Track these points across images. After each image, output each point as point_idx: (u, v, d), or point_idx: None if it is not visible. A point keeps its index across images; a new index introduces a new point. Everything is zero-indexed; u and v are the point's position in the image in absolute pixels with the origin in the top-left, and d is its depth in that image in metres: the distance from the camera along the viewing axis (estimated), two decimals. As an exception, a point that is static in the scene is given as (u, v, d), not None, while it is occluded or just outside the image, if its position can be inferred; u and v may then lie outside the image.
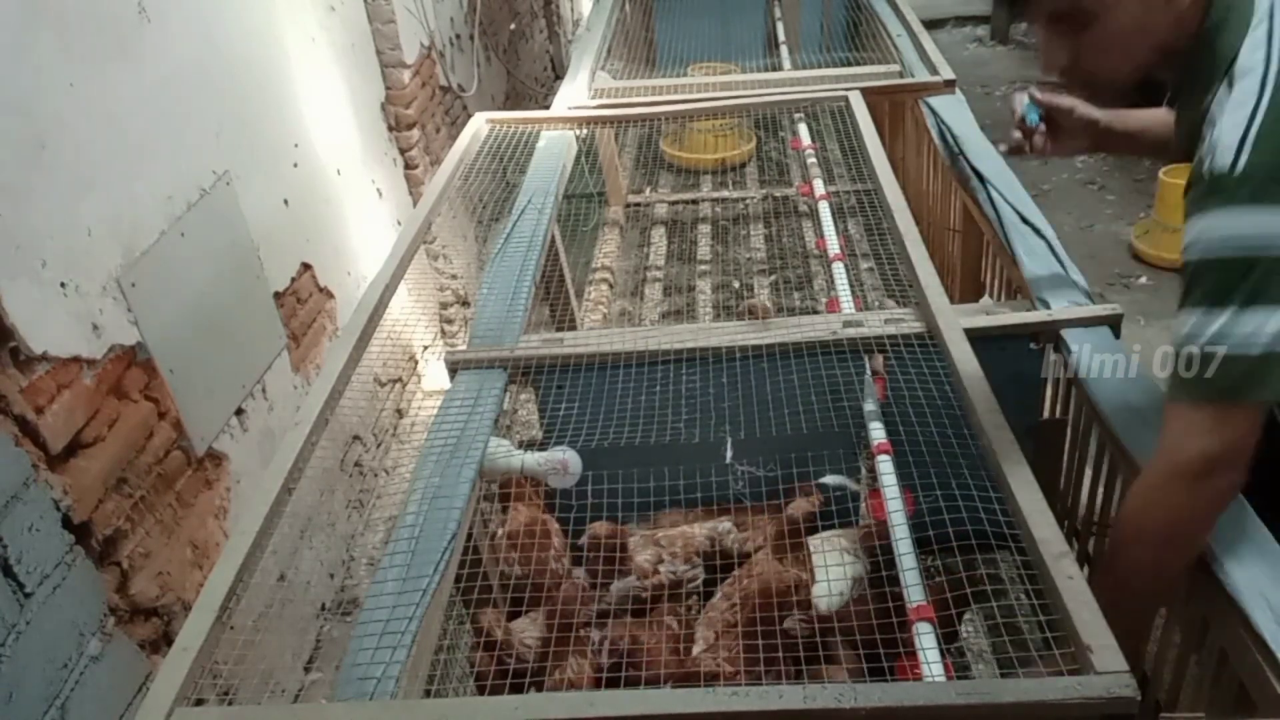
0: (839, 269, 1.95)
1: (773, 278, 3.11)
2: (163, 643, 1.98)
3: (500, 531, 1.63)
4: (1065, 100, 1.52)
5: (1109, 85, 1.25)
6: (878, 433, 1.46)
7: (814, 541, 1.53)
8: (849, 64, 2.99)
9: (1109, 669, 0.95)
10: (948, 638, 1.26)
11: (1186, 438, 1.09)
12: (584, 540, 1.54)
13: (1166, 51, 1.14)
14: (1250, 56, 1.04)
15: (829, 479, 1.59)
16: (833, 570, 1.41)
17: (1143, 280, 4.31)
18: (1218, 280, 1.02)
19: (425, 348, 3.55)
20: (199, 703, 1.08)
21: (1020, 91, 1.57)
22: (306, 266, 2.87)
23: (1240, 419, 1.06)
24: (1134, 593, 1.17)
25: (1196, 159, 1.06)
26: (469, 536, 1.37)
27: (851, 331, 1.62)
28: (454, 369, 1.66)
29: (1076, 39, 1.15)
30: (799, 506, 1.57)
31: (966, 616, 1.62)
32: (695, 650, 1.48)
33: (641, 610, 1.57)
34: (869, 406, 1.52)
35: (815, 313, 1.90)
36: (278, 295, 2.68)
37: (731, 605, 1.52)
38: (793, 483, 1.59)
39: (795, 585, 1.41)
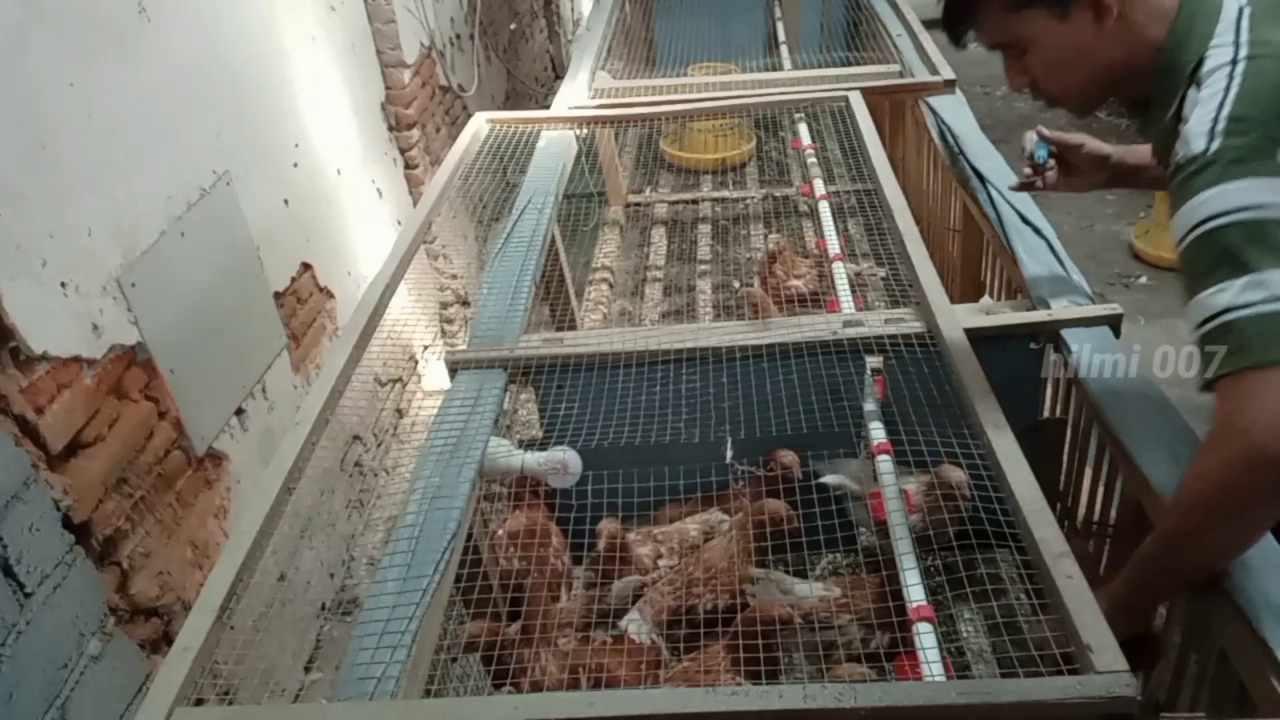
0: (839, 269, 1.96)
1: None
2: (163, 643, 1.98)
3: (500, 531, 1.64)
4: (1074, 137, 1.53)
5: (1071, 102, 1.30)
6: (878, 433, 1.46)
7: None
8: (849, 64, 2.99)
9: (1109, 669, 0.95)
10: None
11: (1227, 417, 1.04)
12: (600, 542, 1.55)
13: (1125, 69, 1.20)
14: (1216, 58, 1.08)
15: (829, 478, 1.60)
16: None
17: (1143, 280, 4.31)
18: (1211, 257, 1.03)
19: (425, 348, 3.55)
20: (199, 703, 1.08)
21: (1030, 131, 1.58)
22: (306, 266, 2.88)
23: (1269, 384, 1.00)
24: (1180, 558, 1.15)
25: (1172, 160, 1.10)
26: (469, 536, 1.37)
27: (851, 331, 1.62)
28: (454, 369, 1.66)
29: (1024, 63, 1.23)
30: (770, 507, 1.58)
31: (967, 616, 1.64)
32: (624, 623, 1.52)
33: None
34: (869, 406, 1.52)
35: (815, 313, 1.90)
36: (278, 295, 2.67)
37: (675, 589, 1.54)
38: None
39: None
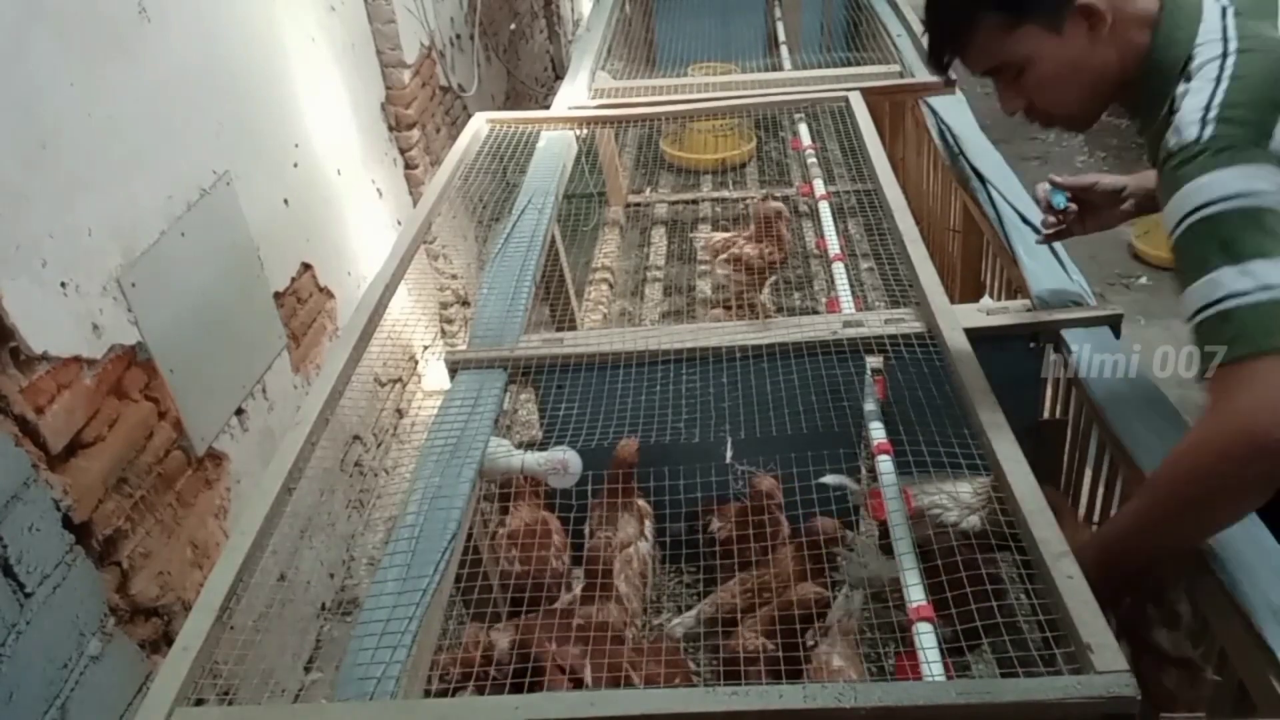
0: (839, 269, 1.96)
1: (773, 278, 3.10)
2: (163, 643, 1.98)
3: (500, 532, 1.64)
4: (1086, 178, 1.49)
5: (1070, 116, 1.29)
6: (878, 433, 1.46)
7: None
8: (849, 64, 2.99)
9: (1109, 668, 0.95)
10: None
11: (1226, 403, 1.02)
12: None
13: (1119, 77, 1.20)
14: (1205, 54, 1.09)
15: (829, 479, 1.60)
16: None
17: (1143, 280, 4.31)
18: (1206, 244, 1.02)
19: (425, 348, 3.54)
20: (199, 703, 1.08)
21: (1042, 183, 1.54)
22: (306, 266, 2.87)
23: (1269, 372, 0.98)
24: (1153, 537, 1.15)
25: (1163, 149, 1.09)
26: (469, 536, 1.37)
27: (851, 331, 1.62)
28: (454, 369, 1.66)
29: (1020, 84, 1.23)
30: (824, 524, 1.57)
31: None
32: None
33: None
34: (869, 406, 1.52)
35: (815, 313, 1.91)
36: (278, 295, 2.67)
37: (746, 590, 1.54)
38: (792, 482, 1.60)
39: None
